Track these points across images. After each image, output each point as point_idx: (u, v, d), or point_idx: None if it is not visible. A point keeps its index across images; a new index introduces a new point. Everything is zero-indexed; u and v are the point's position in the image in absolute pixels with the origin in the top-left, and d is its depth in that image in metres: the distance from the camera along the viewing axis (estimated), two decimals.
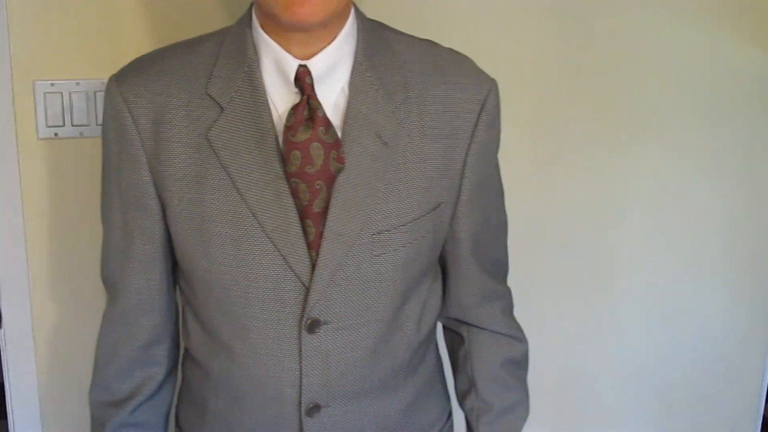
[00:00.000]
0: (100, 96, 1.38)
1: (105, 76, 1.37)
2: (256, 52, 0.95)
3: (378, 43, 0.99)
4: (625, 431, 1.94)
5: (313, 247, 0.95)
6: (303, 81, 0.93)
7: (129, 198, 1.01)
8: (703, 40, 1.73)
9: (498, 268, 1.17)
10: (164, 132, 0.96)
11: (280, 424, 1.02)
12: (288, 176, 0.93)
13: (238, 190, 0.93)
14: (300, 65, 0.93)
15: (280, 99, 0.95)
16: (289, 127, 0.92)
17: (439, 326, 1.23)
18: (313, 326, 0.97)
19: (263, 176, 0.93)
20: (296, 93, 0.94)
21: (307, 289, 0.95)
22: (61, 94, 1.37)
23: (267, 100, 0.94)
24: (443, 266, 1.11)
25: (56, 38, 1.35)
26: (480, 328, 1.15)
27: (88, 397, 1.12)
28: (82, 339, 1.49)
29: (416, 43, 1.04)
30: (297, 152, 0.92)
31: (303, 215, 0.94)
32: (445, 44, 1.41)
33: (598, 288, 1.82)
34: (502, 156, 1.65)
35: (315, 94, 0.93)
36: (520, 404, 1.17)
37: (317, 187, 0.93)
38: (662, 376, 1.93)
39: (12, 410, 1.49)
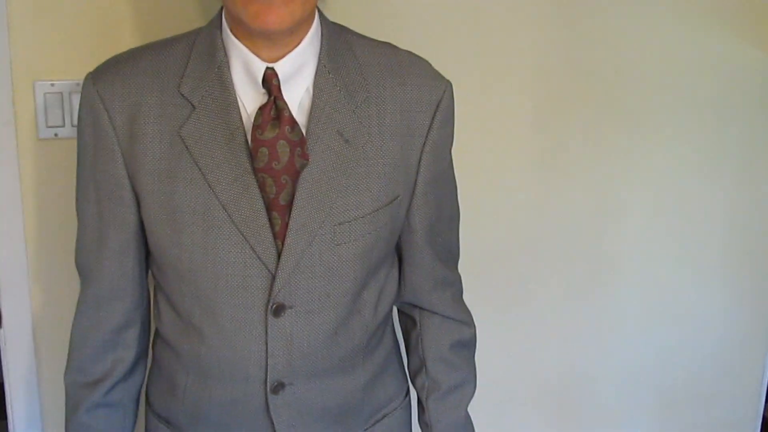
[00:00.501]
0: None
1: None
2: (226, 54, 1.01)
3: (340, 46, 1.06)
4: (625, 431, 1.94)
5: (279, 237, 1.02)
6: (270, 82, 1.00)
7: (104, 190, 1.06)
8: (703, 41, 1.73)
9: (450, 256, 1.23)
10: (138, 128, 1.01)
11: (246, 401, 1.09)
12: (256, 171, 1.00)
13: (209, 183, 1.00)
14: (267, 68, 1.00)
15: (249, 99, 1.01)
16: (257, 126, 0.99)
17: (395, 310, 1.31)
18: (278, 310, 1.04)
19: (232, 171, 1.00)
20: (264, 93, 1.01)
21: (273, 276, 1.02)
22: (61, 94, 1.37)
23: (236, 100, 1.01)
24: (399, 254, 1.18)
25: (56, 38, 1.35)
26: (432, 312, 1.22)
27: (64, 380, 1.18)
28: None
29: (376, 46, 1.10)
30: (264, 149, 0.99)
31: (270, 207, 1.01)
32: (444, 46, 1.41)
33: (599, 288, 1.82)
34: (502, 156, 1.66)
35: (282, 95, 1.00)
36: (467, 383, 1.27)
37: (283, 181, 1.00)
38: (662, 376, 1.93)
39: (12, 410, 1.49)
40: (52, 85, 1.36)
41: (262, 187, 1.01)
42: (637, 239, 1.81)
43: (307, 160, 1.01)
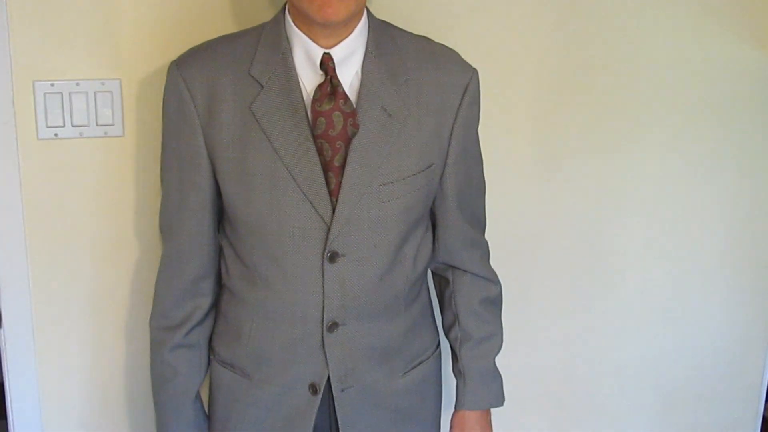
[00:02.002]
0: (100, 96, 1.39)
1: (105, 76, 1.38)
2: (288, 42, 1.21)
3: (384, 37, 1.25)
4: (625, 431, 1.94)
5: (333, 195, 1.20)
6: (327, 65, 1.19)
7: (185, 159, 1.24)
8: (703, 41, 1.73)
9: (477, 221, 1.41)
10: (215, 105, 1.20)
11: (305, 339, 1.26)
12: (315, 138, 1.19)
13: (275, 149, 1.19)
14: (324, 53, 1.19)
15: (308, 79, 1.21)
16: (316, 100, 1.19)
17: (430, 276, 1.47)
18: (333, 257, 1.22)
19: (295, 138, 1.19)
20: (321, 75, 1.20)
21: (328, 228, 1.20)
22: (61, 94, 1.37)
23: (298, 80, 1.20)
24: (433, 220, 1.36)
25: (56, 38, 1.35)
26: (463, 270, 1.40)
27: (149, 324, 1.35)
28: (82, 339, 1.49)
29: (415, 38, 1.30)
30: (322, 119, 1.18)
31: (326, 169, 1.20)
32: (448, 43, 1.42)
33: (599, 288, 1.82)
34: (502, 156, 1.66)
35: (336, 75, 1.19)
36: (495, 335, 1.43)
37: (338, 146, 1.19)
38: (662, 376, 1.93)
39: (12, 410, 1.49)
40: (52, 85, 1.36)
41: (320, 152, 1.19)
42: (637, 239, 1.81)
43: (357, 128, 1.20)
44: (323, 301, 1.24)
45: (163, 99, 1.26)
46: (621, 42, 1.67)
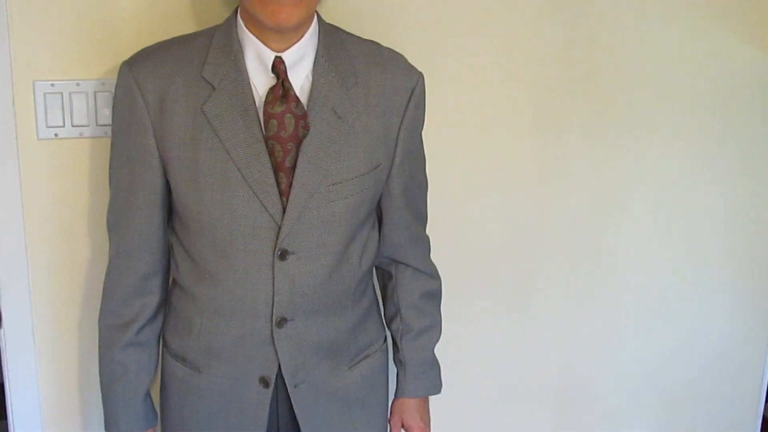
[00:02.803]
0: (100, 96, 1.38)
1: (105, 76, 1.38)
2: (240, 45, 1.23)
3: (334, 41, 1.28)
4: (625, 431, 1.94)
5: (284, 194, 1.23)
6: (278, 68, 1.22)
7: (136, 158, 1.25)
8: (703, 40, 1.73)
9: (421, 218, 1.47)
10: (167, 106, 1.22)
11: (254, 335, 1.30)
12: (266, 140, 1.22)
13: (227, 150, 1.21)
14: (276, 56, 1.22)
15: (260, 81, 1.23)
16: (268, 102, 1.21)
17: (375, 270, 1.51)
18: (283, 255, 1.25)
19: (246, 139, 1.21)
20: (273, 78, 1.23)
21: (279, 227, 1.23)
22: (61, 94, 1.37)
23: (249, 82, 1.23)
24: (380, 217, 1.41)
25: (56, 38, 1.35)
26: (405, 265, 1.46)
27: (98, 323, 1.35)
28: (82, 339, 1.49)
29: (363, 42, 1.33)
30: (274, 121, 1.21)
31: (276, 169, 1.22)
32: (444, 46, 1.42)
33: (599, 288, 1.82)
34: (502, 156, 1.65)
35: (288, 78, 1.22)
36: (434, 327, 1.49)
37: (289, 147, 1.22)
38: (662, 376, 1.93)
39: (12, 410, 1.49)
40: (52, 85, 1.36)
41: (271, 153, 1.22)
42: (637, 239, 1.81)
43: (308, 130, 1.23)
44: (273, 297, 1.27)
45: (114, 98, 1.27)
46: (621, 42, 1.67)
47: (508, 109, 1.64)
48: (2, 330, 1.44)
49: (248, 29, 1.22)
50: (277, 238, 1.24)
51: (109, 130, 1.40)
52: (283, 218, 1.23)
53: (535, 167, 1.69)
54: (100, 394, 1.52)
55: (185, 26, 1.40)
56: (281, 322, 1.29)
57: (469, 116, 1.62)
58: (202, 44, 1.24)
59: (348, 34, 1.32)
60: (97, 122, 1.40)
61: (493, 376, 1.79)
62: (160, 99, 1.21)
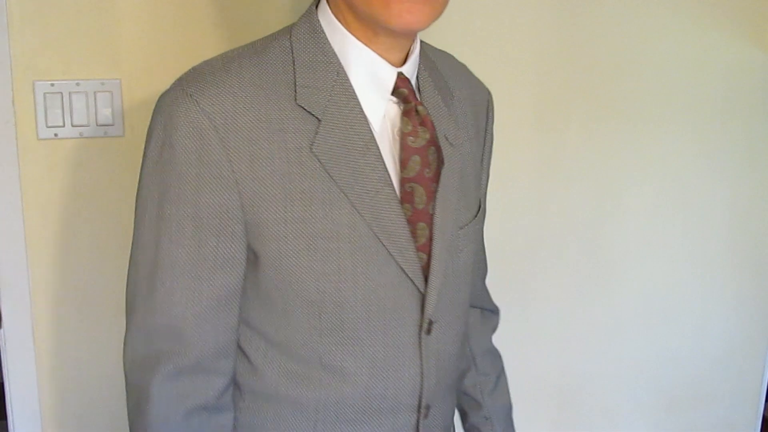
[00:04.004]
0: (100, 96, 1.38)
1: (105, 76, 1.38)
2: (338, 58, 0.92)
3: (420, 50, 1.00)
4: (625, 431, 1.94)
5: (421, 250, 0.95)
6: (401, 87, 0.93)
7: (209, 227, 0.89)
8: (703, 40, 1.73)
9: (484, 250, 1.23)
10: (258, 148, 0.88)
11: None
12: (403, 181, 0.93)
13: (351, 201, 0.90)
14: (398, 71, 0.93)
15: (371, 105, 0.93)
16: (407, 134, 0.92)
17: None
18: (430, 327, 0.96)
19: (373, 185, 0.91)
20: (389, 100, 0.93)
21: (422, 292, 0.95)
22: (61, 94, 1.37)
23: (361, 108, 0.92)
24: None
25: (56, 38, 1.35)
26: (473, 307, 1.20)
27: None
28: (82, 339, 1.49)
29: (440, 52, 1.07)
30: (417, 157, 0.92)
31: (415, 219, 0.94)
32: (444, 46, 1.41)
33: (599, 288, 1.82)
34: (503, 157, 1.65)
35: (421, 102, 0.94)
36: (503, 366, 1.27)
37: (432, 189, 0.94)
38: (662, 376, 1.93)
39: (12, 410, 1.49)
40: (52, 85, 1.36)
41: (408, 198, 0.93)
42: (637, 239, 1.81)
43: (444, 164, 0.95)
44: (421, 383, 0.97)
45: (166, 142, 0.88)
46: (621, 42, 1.67)
47: (508, 109, 1.64)
48: (2, 330, 1.44)
49: (354, 36, 0.91)
50: (422, 307, 0.96)
51: (108, 129, 1.40)
52: (428, 280, 0.95)
53: (535, 166, 1.69)
54: (100, 394, 1.52)
55: (185, 26, 1.40)
56: (427, 412, 1.00)
57: None
58: (281, 59, 0.91)
59: (422, 41, 1.03)
60: (97, 122, 1.40)
61: None
62: (247, 139, 0.87)
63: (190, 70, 0.91)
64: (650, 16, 1.68)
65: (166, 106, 0.88)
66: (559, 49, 1.64)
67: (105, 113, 1.40)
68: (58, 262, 1.44)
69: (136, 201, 0.94)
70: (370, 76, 0.92)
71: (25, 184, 1.39)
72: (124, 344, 0.94)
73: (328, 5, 0.93)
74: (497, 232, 1.71)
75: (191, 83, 0.88)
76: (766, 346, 1.99)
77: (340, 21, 0.92)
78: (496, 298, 1.75)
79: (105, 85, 1.38)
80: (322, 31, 0.92)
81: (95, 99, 1.38)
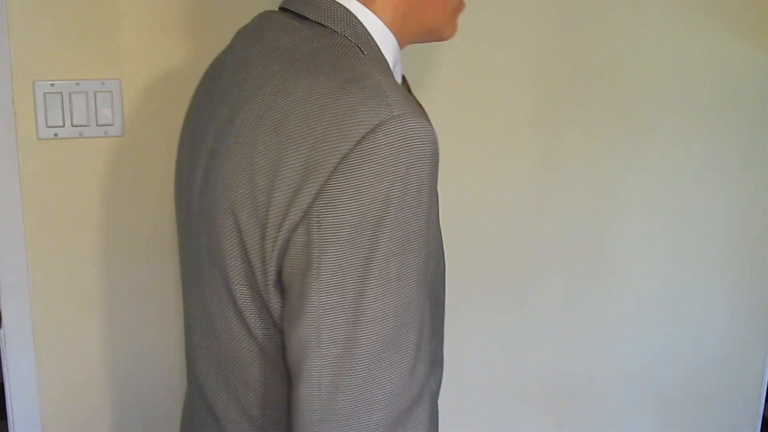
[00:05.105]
0: (100, 96, 1.38)
1: (105, 76, 1.38)
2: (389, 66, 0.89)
3: None
4: (625, 431, 1.94)
5: None
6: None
7: (426, 267, 0.80)
8: (703, 40, 1.73)
9: None
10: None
11: None
12: None
13: (437, 222, 0.89)
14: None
15: None
16: None
17: None
18: None
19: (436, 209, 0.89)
20: None
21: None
22: (61, 94, 1.37)
23: None
24: None
25: (56, 38, 1.35)
26: None
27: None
28: (82, 339, 1.49)
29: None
30: None
31: None
32: (444, 46, 1.41)
33: (598, 288, 1.82)
34: (502, 156, 1.65)
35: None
36: None
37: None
38: (662, 376, 1.93)
39: (12, 410, 1.49)
40: (52, 85, 1.36)
41: None
42: (637, 239, 1.81)
43: None
44: None
45: (419, 181, 0.75)
46: (621, 42, 1.67)
47: (508, 109, 1.64)
48: (2, 330, 1.44)
49: (401, 45, 0.90)
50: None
51: (108, 129, 1.40)
52: None
53: (535, 167, 1.69)
54: (99, 395, 1.52)
55: (185, 27, 1.40)
56: None
57: (469, 116, 1.62)
58: (389, 73, 0.85)
59: None
60: (97, 122, 1.40)
61: (493, 376, 1.79)
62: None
63: (381, 91, 0.77)
64: (650, 16, 1.68)
65: (415, 132, 0.76)
66: (559, 50, 1.64)
67: (105, 113, 1.40)
68: (58, 262, 1.44)
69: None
70: (397, 80, 0.90)
71: (25, 184, 1.39)
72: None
73: (365, 5, 0.86)
74: (497, 232, 1.71)
75: (400, 107, 0.76)
76: (766, 346, 1.99)
77: (397, 31, 0.88)
78: (496, 299, 1.75)
79: (105, 85, 1.38)
80: (374, 41, 0.86)
81: (95, 99, 1.39)
